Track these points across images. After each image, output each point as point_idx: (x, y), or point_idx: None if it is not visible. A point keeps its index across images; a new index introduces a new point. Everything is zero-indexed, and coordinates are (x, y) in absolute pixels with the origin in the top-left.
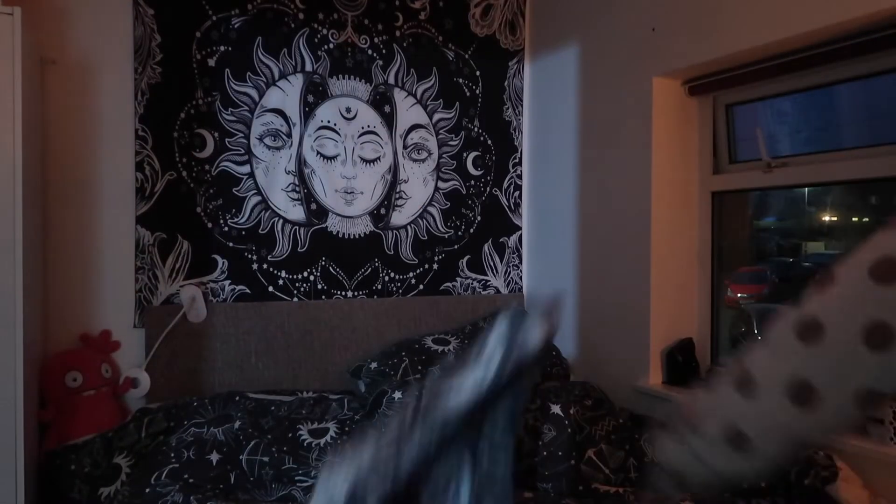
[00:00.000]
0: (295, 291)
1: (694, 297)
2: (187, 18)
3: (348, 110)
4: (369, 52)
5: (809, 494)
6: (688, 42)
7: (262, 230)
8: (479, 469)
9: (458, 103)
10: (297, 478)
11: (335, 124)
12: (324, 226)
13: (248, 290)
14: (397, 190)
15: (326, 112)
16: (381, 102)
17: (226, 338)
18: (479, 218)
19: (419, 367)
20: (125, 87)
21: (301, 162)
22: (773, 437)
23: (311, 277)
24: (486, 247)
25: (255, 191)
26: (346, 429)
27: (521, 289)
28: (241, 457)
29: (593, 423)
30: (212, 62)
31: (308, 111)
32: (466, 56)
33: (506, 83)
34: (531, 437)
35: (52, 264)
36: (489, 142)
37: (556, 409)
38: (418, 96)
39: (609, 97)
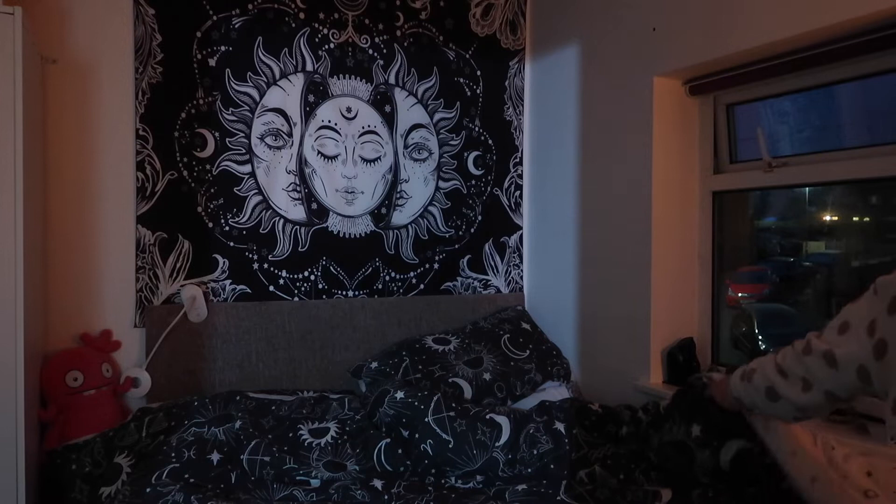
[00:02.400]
0: (296, 291)
1: (694, 297)
2: (188, 18)
3: (349, 110)
4: (370, 51)
5: None
6: (688, 42)
7: (263, 230)
8: None
9: (458, 103)
10: (297, 477)
11: (336, 124)
12: (324, 225)
13: (248, 290)
14: (398, 189)
15: (327, 112)
16: (382, 102)
17: (226, 337)
18: (479, 217)
19: (420, 367)
20: (126, 86)
21: (302, 161)
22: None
23: (312, 277)
24: (486, 246)
25: (255, 190)
26: (347, 428)
27: (521, 288)
28: (241, 456)
29: (592, 447)
30: (212, 62)
31: (309, 111)
32: (467, 56)
33: (506, 83)
34: (528, 447)
35: (52, 264)
36: (490, 141)
37: (559, 426)
38: (419, 96)
39: (609, 97)
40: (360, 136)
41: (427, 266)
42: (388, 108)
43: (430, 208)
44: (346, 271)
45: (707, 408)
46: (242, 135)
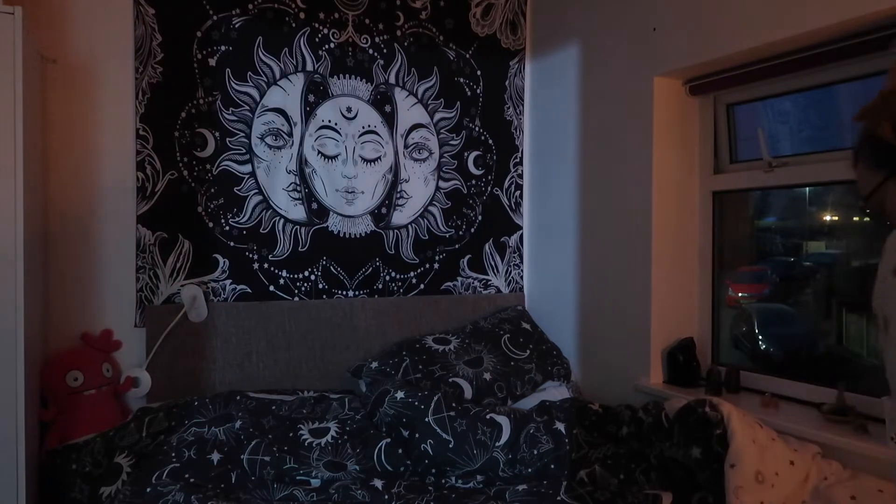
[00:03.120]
0: (296, 291)
1: (695, 297)
2: (188, 18)
3: (349, 110)
4: (370, 51)
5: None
6: (688, 42)
7: (264, 230)
8: None
9: (458, 103)
10: (298, 477)
11: (336, 124)
12: (325, 225)
13: (248, 290)
14: (398, 189)
15: (327, 111)
16: (382, 102)
17: (227, 337)
18: (479, 217)
19: (420, 367)
20: (126, 86)
21: (302, 161)
22: None
23: (312, 277)
24: (486, 246)
25: (256, 190)
26: (347, 428)
27: (521, 288)
28: (241, 456)
29: (592, 447)
30: (213, 62)
31: (309, 111)
32: (467, 55)
33: (507, 83)
34: (528, 447)
35: (52, 264)
36: (490, 141)
37: (559, 426)
38: (419, 96)
39: (610, 97)
40: (361, 135)
41: (427, 266)
42: (388, 108)
43: (431, 208)
44: (346, 271)
45: (708, 433)
46: (242, 134)
